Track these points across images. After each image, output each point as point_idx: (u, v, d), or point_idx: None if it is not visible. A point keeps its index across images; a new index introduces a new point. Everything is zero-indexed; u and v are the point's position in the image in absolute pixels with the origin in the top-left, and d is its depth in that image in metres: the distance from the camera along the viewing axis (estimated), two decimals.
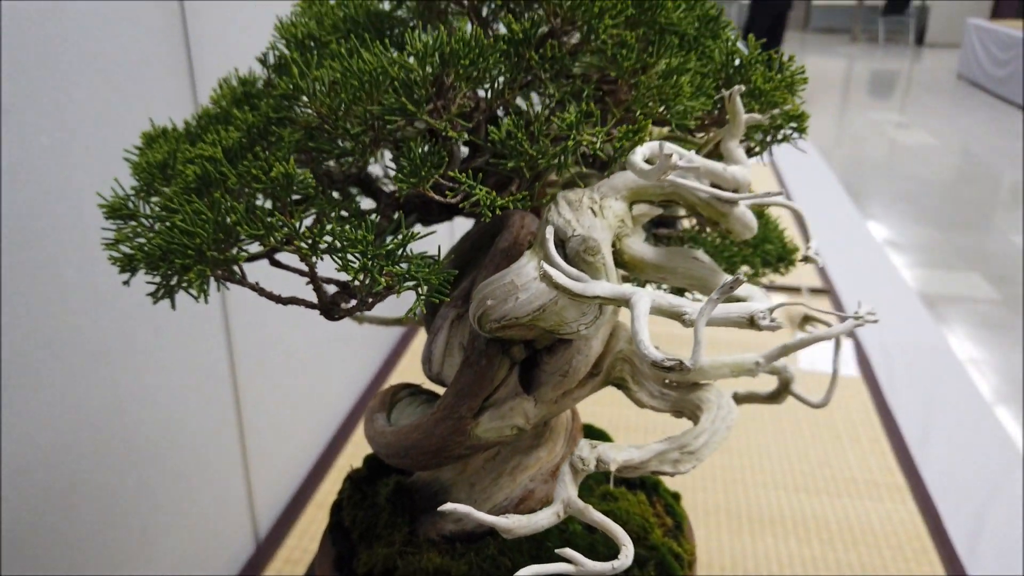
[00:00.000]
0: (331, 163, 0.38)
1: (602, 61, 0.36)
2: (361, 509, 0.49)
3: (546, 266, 0.31)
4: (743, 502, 1.17)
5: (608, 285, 0.32)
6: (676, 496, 0.54)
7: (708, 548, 1.07)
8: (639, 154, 0.32)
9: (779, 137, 0.44)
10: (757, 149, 0.46)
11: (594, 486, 0.50)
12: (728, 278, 0.33)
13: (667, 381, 0.40)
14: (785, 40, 7.81)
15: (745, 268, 0.50)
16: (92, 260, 0.74)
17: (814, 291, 1.86)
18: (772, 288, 1.87)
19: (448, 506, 0.31)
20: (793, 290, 1.85)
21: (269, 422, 1.10)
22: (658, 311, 0.31)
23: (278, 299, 0.37)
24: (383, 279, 0.31)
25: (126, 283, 0.37)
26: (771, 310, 0.32)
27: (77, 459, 0.76)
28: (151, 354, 0.85)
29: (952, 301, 3.38)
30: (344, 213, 0.35)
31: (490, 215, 0.32)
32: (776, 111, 0.41)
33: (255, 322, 1.04)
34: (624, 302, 0.31)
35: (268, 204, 0.33)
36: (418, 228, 0.43)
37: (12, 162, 0.65)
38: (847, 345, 1.63)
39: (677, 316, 0.31)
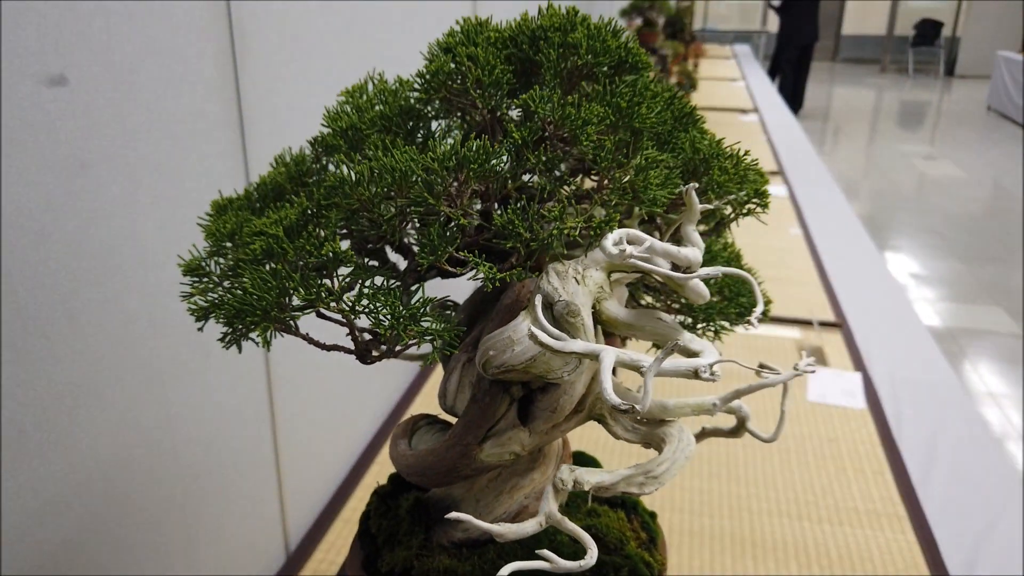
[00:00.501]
0: (368, 232, 0.47)
1: (585, 159, 0.44)
2: (385, 519, 0.58)
3: (533, 328, 0.40)
4: (747, 528, 1.23)
5: (582, 343, 0.40)
6: (652, 515, 0.62)
7: (712, 571, 1.13)
8: (609, 239, 0.41)
9: (744, 211, 0.52)
10: (732, 216, 0.54)
11: (581, 504, 0.58)
12: (686, 335, 0.41)
13: (638, 419, 0.48)
14: (813, 71, 7.86)
15: (724, 323, 0.57)
16: (152, 294, 0.84)
17: (825, 324, 1.91)
18: (785, 321, 1.92)
19: (454, 515, 0.39)
20: (805, 323, 1.91)
21: (301, 442, 1.19)
22: (620, 364, 0.40)
23: (323, 346, 0.45)
24: (406, 335, 0.39)
25: (200, 329, 0.45)
26: (711, 365, 0.39)
27: (132, 472, 0.85)
28: (199, 376, 0.94)
29: (975, 335, 3.39)
30: (379, 283, 0.44)
31: (491, 287, 0.41)
32: (731, 197, 0.49)
33: (291, 351, 1.13)
34: (595, 356, 0.39)
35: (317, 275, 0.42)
36: (437, 280, 0.51)
37: (91, 209, 0.75)
38: (855, 379, 1.68)
39: (636, 368, 0.39)
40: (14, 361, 0.68)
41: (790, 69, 7.41)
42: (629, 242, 0.40)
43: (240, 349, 0.46)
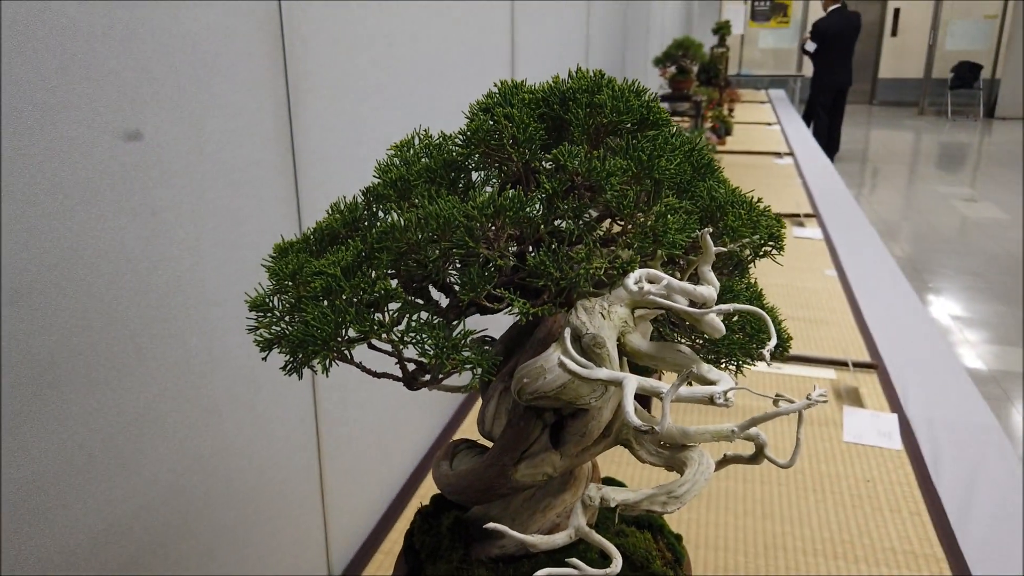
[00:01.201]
0: (415, 271, 0.52)
1: (610, 206, 0.49)
2: (428, 536, 0.62)
3: (562, 357, 0.44)
4: (782, 567, 1.23)
5: (607, 371, 0.45)
6: (678, 537, 0.65)
7: None
8: (631, 278, 0.45)
9: (760, 253, 0.56)
10: (750, 257, 0.58)
11: (610, 525, 0.62)
12: (705, 366, 0.45)
13: (661, 443, 0.52)
14: (850, 114, 7.87)
15: (748, 360, 0.61)
16: (211, 331, 0.90)
17: (860, 365, 1.92)
18: (819, 362, 1.93)
19: (492, 525, 0.44)
20: (840, 364, 1.91)
21: (346, 474, 1.23)
22: (642, 390, 0.44)
23: (374, 374, 0.50)
24: (449, 364, 0.44)
25: (264, 359, 0.51)
26: (725, 392, 0.43)
27: (189, 499, 0.90)
28: (251, 409, 1.00)
29: (1018, 378, 3.32)
30: (424, 316, 0.49)
31: (525, 320, 0.45)
32: (746, 240, 0.53)
33: (337, 386, 1.18)
34: (618, 383, 0.44)
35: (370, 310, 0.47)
36: (477, 316, 0.56)
37: (159, 252, 0.82)
38: (892, 420, 1.68)
39: (655, 394, 0.44)
40: (87, 391, 0.74)
41: (824, 113, 7.43)
42: (648, 281, 0.45)
43: (300, 376, 0.51)
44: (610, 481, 0.70)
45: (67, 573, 0.73)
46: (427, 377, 0.50)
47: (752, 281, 0.68)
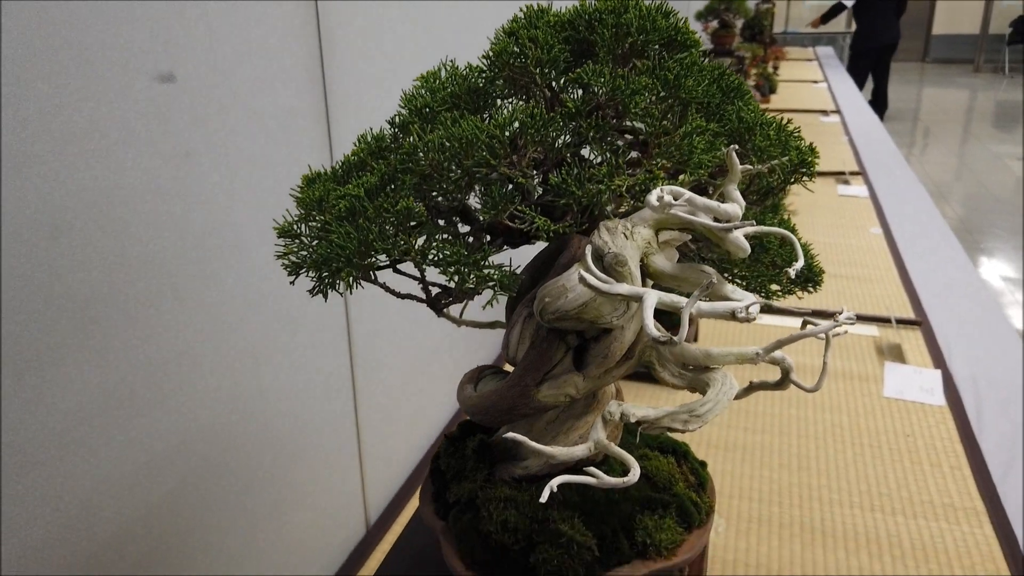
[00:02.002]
0: (439, 199, 0.52)
1: (635, 130, 0.48)
2: (453, 458, 0.63)
3: (582, 271, 0.44)
4: (817, 517, 1.23)
5: (627, 286, 0.44)
6: (703, 463, 0.66)
7: (780, 557, 1.14)
8: (653, 195, 0.44)
9: (790, 180, 0.55)
10: (779, 183, 0.57)
11: (633, 449, 0.62)
12: (728, 286, 0.44)
13: (685, 366, 0.52)
14: (901, 72, 7.59)
15: (775, 287, 0.60)
16: (247, 274, 0.92)
17: (903, 322, 1.88)
18: (863, 319, 1.90)
19: (511, 435, 0.44)
20: (883, 321, 1.87)
21: (382, 420, 1.26)
22: (662, 305, 0.43)
23: (398, 294, 0.51)
24: (470, 281, 0.44)
25: (292, 283, 0.52)
26: (747, 307, 0.43)
27: (227, 437, 0.93)
28: (288, 354, 1.01)
29: None
30: (446, 236, 0.49)
31: (546, 237, 0.45)
32: (775, 162, 0.52)
33: (373, 331, 1.20)
34: (638, 298, 0.43)
35: (394, 229, 0.48)
36: (502, 246, 0.56)
37: (194, 194, 0.83)
38: (935, 376, 1.64)
39: (676, 309, 0.43)
40: (127, 328, 0.76)
41: (865, 75, 7.11)
42: (672, 197, 0.44)
43: (326, 297, 0.51)
44: None
45: (115, 501, 0.76)
46: (450, 300, 0.50)
47: (785, 217, 0.66)
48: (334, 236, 0.46)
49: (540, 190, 0.51)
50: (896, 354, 1.75)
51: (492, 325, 0.70)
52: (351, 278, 0.46)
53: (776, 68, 5.48)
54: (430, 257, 0.46)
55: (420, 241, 0.47)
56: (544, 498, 0.40)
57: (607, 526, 0.58)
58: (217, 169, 0.87)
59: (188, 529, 0.86)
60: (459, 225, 0.54)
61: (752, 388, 0.56)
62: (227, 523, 0.93)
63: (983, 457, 1.42)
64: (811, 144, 0.57)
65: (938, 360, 1.74)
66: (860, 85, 6.81)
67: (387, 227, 0.47)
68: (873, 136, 3.99)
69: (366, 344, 1.18)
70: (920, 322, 1.92)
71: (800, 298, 0.60)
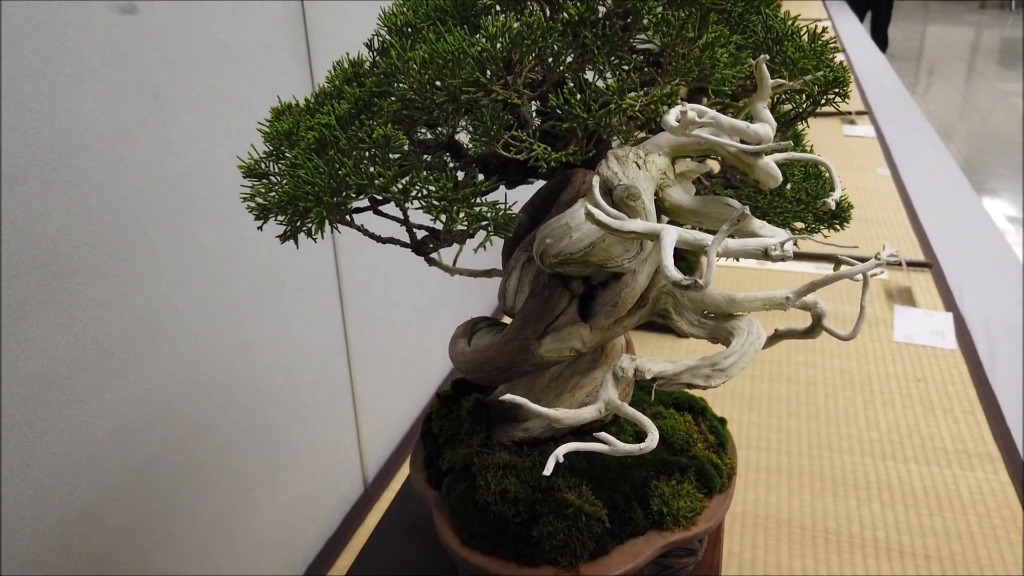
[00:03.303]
0: (427, 133, 0.46)
1: (648, 38, 0.42)
2: (447, 420, 0.58)
3: (589, 205, 0.38)
4: (827, 466, 1.19)
5: (641, 223, 0.38)
6: (722, 420, 0.60)
7: (790, 507, 1.10)
8: (672, 114, 0.38)
9: (822, 101, 0.48)
10: (807, 107, 0.51)
11: (646, 408, 0.57)
12: (757, 222, 0.39)
13: (705, 313, 0.46)
14: (905, 9, 7.39)
15: (799, 224, 0.55)
16: (227, 224, 0.86)
17: (913, 265, 1.82)
18: (861, 259, 1.84)
19: (509, 397, 0.39)
20: (893, 264, 1.82)
21: (377, 377, 1.21)
22: (683, 244, 0.38)
23: (378, 238, 0.45)
24: (458, 219, 0.38)
25: (259, 228, 0.46)
26: (782, 243, 0.37)
27: (212, 395, 0.88)
28: (274, 307, 0.96)
29: None
30: (432, 172, 0.43)
31: (546, 168, 0.39)
32: (808, 76, 0.46)
33: (364, 283, 1.14)
34: (655, 236, 0.37)
35: (371, 162, 0.42)
36: (497, 185, 0.50)
37: (164, 137, 0.77)
38: (947, 319, 1.60)
39: (700, 248, 0.37)
40: (96, 284, 0.71)
41: (863, 11, 6.90)
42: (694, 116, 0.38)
43: (297, 242, 0.46)
44: None
45: (92, 467, 0.72)
46: (438, 243, 0.44)
47: (809, 148, 0.60)
48: (301, 172, 0.40)
49: (538, 121, 0.45)
50: (906, 298, 1.70)
51: (488, 273, 0.64)
52: (321, 220, 0.40)
53: (778, 7, 5.31)
54: (412, 194, 0.39)
55: (403, 178, 0.41)
56: (548, 470, 0.35)
57: (619, 494, 0.53)
58: (188, 111, 0.80)
59: (172, 492, 0.82)
60: (448, 161, 0.48)
61: (778, 337, 0.50)
62: (215, 488, 0.89)
63: (997, 401, 1.38)
64: (841, 62, 0.50)
65: (949, 303, 1.70)
66: (860, 18, 6.62)
67: (363, 160, 0.41)
68: (879, 75, 3.88)
69: (358, 296, 1.13)
70: (930, 264, 1.86)
71: (826, 236, 0.54)
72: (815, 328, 0.48)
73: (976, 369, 1.45)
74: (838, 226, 0.57)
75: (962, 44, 8.16)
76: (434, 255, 0.67)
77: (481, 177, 0.48)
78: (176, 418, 0.82)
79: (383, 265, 1.18)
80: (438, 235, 0.44)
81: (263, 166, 0.47)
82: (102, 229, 0.71)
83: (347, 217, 0.44)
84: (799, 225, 0.54)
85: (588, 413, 0.40)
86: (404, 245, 0.46)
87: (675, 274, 0.34)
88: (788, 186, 0.55)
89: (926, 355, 1.50)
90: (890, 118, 3.15)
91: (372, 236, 0.46)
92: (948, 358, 1.49)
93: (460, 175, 0.45)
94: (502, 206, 0.40)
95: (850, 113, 3.06)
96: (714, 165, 0.58)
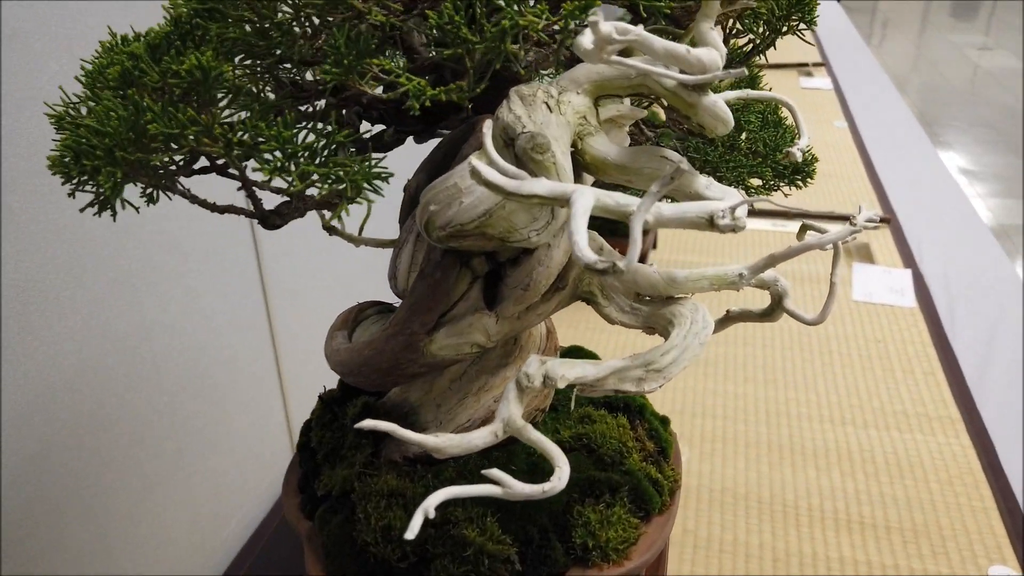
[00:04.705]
0: (275, 68, 0.35)
1: None
2: (329, 430, 0.47)
3: (474, 160, 0.28)
4: (786, 434, 1.14)
5: (546, 183, 0.29)
6: (664, 421, 0.51)
7: (747, 479, 1.05)
8: (586, 35, 0.29)
9: (782, 28, 0.39)
10: (766, 37, 0.41)
11: (571, 411, 0.48)
12: (702, 179, 0.30)
13: (639, 295, 0.37)
14: None
15: (756, 181, 0.46)
16: None
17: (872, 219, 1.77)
18: (829, 217, 1.78)
19: (368, 423, 0.29)
20: (849, 219, 1.76)
21: (307, 354, 1.11)
22: (602, 210, 0.28)
23: (212, 207, 0.35)
24: (308, 179, 0.28)
25: (70, 195, 0.35)
26: (732, 208, 0.28)
27: (105, 383, 0.78)
28: (178, 280, 0.85)
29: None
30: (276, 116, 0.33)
31: (419, 110, 0.30)
32: None
33: (288, 250, 1.04)
34: (564, 200, 0.28)
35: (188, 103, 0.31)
36: (386, 139, 0.40)
37: (18, 91, 0.65)
38: (906, 276, 1.55)
39: (623, 215, 0.28)
40: None
41: None
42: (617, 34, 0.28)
43: (115, 213, 0.36)
44: (576, 353, 0.54)
45: None
46: (289, 212, 0.34)
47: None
48: (89, 119, 0.30)
49: (433, 53, 0.35)
50: (864, 254, 1.65)
51: (398, 243, 0.55)
52: (116, 183, 0.30)
53: None
54: (236, 140, 0.29)
55: (238, 126, 0.31)
56: (412, 533, 0.25)
57: (533, 525, 0.43)
58: (54, 57, 0.68)
59: (61, 492, 0.73)
60: (320, 108, 0.37)
61: (730, 319, 0.41)
62: (119, 480, 0.79)
63: (957, 361, 1.34)
64: None
65: (908, 259, 1.65)
66: None
67: (176, 101, 0.30)
68: (836, 26, 3.82)
69: (279, 264, 1.02)
70: (888, 219, 1.82)
71: (787, 195, 0.46)
72: (775, 310, 0.39)
73: (935, 327, 1.42)
74: (800, 182, 0.48)
75: None
76: (335, 223, 0.58)
77: (364, 126, 0.38)
78: (60, 409, 0.72)
79: (309, 228, 1.07)
80: (292, 200, 0.34)
81: (74, 112, 0.36)
82: None
83: (170, 179, 0.33)
84: (755, 182, 0.45)
85: (479, 439, 0.30)
86: (249, 214, 0.35)
87: (587, 255, 0.25)
88: (743, 136, 0.46)
89: (885, 314, 1.46)
90: (848, 70, 3.09)
91: (203, 204, 0.35)
92: (907, 317, 1.45)
93: (324, 127, 0.34)
94: (375, 159, 0.30)
95: (807, 64, 2.99)
96: (662, 112, 0.49)
